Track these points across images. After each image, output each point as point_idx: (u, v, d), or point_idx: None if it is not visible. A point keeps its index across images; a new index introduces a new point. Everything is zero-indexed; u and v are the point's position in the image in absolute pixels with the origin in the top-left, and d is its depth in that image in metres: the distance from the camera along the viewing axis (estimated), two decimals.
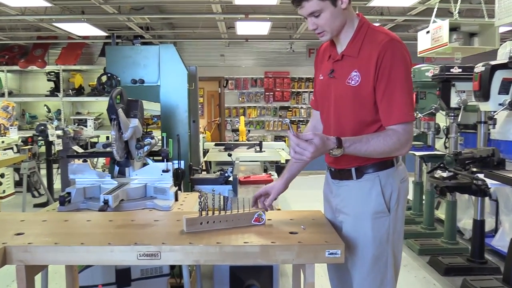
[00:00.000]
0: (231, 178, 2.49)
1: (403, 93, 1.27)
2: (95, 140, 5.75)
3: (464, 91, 3.12)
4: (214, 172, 2.76)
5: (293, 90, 8.66)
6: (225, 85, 8.61)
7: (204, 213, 1.37)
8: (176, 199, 2.03)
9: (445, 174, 2.60)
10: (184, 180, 2.60)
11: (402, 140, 1.28)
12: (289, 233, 1.37)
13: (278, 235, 1.34)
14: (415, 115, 3.63)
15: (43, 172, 5.01)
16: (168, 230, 1.41)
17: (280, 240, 1.29)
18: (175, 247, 1.24)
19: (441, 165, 2.74)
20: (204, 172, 4.39)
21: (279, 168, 3.56)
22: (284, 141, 7.00)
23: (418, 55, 3.95)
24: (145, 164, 2.18)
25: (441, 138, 4.04)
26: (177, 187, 2.09)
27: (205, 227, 1.36)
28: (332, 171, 1.49)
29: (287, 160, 3.58)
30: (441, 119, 3.96)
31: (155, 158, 2.35)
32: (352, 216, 1.41)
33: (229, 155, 2.96)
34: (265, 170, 4.93)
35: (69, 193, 1.83)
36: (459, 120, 3.24)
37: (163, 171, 2.05)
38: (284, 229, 1.41)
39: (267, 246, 1.25)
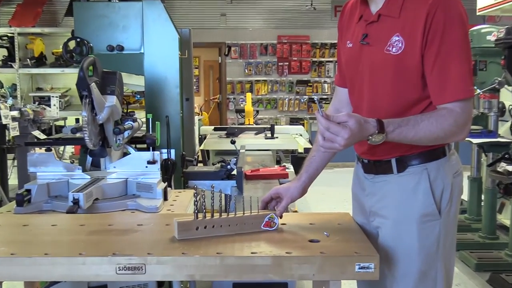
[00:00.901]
0: (234, 172, 2.50)
1: (461, 62, 1.25)
2: (61, 123, 5.80)
3: None
4: (213, 164, 2.78)
5: (314, 59, 8.63)
6: (226, 53, 8.58)
7: (200, 215, 1.38)
8: (165, 198, 2.04)
9: (510, 168, 2.56)
10: (176, 174, 2.60)
11: (460, 122, 1.26)
12: (309, 241, 1.37)
13: (294, 244, 1.35)
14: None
15: None
16: (155, 237, 1.42)
17: (298, 250, 1.30)
18: (164, 259, 1.25)
19: (506, 156, 2.70)
20: (200, 164, 4.42)
21: (295, 159, 3.57)
22: (303, 124, 6.97)
23: (478, 13, 3.85)
24: (125, 154, 2.20)
25: (506, 121, 3.98)
26: (166, 183, 2.10)
27: (201, 233, 1.37)
28: (365, 164, 1.49)
29: (306, 150, 3.60)
30: (507, 97, 3.91)
31: (138, 146, 2.36)
32: (392, 220, 1.41)
33: (232, 142, 2.96)
34: (278, 162, 4.94)
35: (28, 191, 1.84)
36: None
37: (149, 162, 2.06)
38: (302, 236, 1.41)
39: (280, 258, 1.26)
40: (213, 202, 1.41)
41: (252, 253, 1.27)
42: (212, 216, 1.39)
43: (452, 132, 1.27)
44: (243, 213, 1.45)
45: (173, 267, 1.24)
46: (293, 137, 4.73)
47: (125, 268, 1.24)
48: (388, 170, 1.40)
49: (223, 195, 1.46)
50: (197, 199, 1.38)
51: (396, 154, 1.38)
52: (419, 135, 1.25)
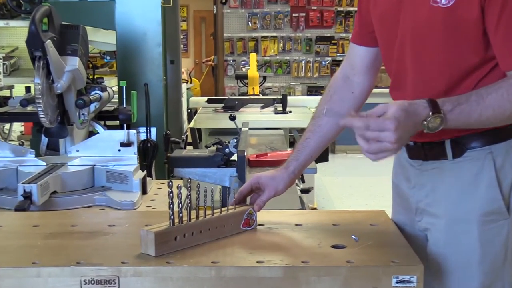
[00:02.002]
0: (234, 157, 2.51)
1: None
2: (6, 93, 5.78)
3: None
4: (206, 147, 2.77)
5: (340, 8, 8.58)
6: (224, 1, 8.52)
7: (180, 219, 1.38)
8: (144, 191, 2.06)
9: None
10: (157, 160, 2.62)
11: None
12: (332, 247, 1.38)
13: (312, 250, 1.36)
14: None
15: None
16: (131, 242, 1.42)
17: (317, 258, 1.31)
18: (144, 269, 1.26)
19: None
20: (190, 147, 4.44)
21: None
22: None
23: None
24: (92, 134, 2.21)
25: None
26: (145, 172, 2.12)
27: (183, 243, 1.38)
28: (410, 147, 1.49)
29: None
30: None
31: (108, 123, 2.37)
32: (445, 220, 1.41)
33: (232, 118, 2.96)
34: (292, 144, 4.94)
35: None
36: None
37: (122, 144, 2.07)
38: (323, 241, 1.42)
39: (295, 269, 1.27)
40: (206, 199, 1.41)
41: (257, 262, 1.28)
42: (189, 219, 1.40)
43: None
44: (220, 211, 1.47)
45: (155, 281, 1.25)
46: (312, 112, 4.72)
47: (92, 282, 1.24)
48: (440, 154, 1.41)
49: (218, 188, 1.47)
50: (179, 192, 1.36)
51: (451, 134, 1.37)
52: (487, 114, 1.25)
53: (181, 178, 2.55)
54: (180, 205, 1.36)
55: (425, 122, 1.22)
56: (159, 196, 2.07)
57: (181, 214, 1.37)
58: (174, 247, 1.36)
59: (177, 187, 1.34)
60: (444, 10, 1.29)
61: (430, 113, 1.22)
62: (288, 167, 1.62)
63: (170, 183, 1.37)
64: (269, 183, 1.58)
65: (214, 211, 1.46)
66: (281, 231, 1.51)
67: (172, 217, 1.36)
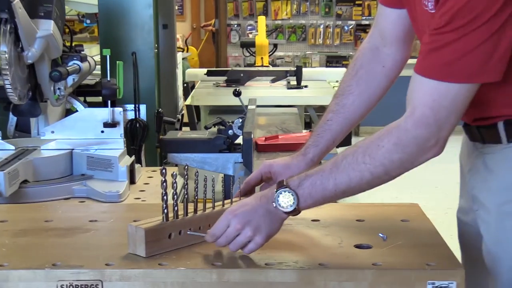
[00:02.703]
0: (239, 140, 2.51)
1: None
2: None
3: None
4: (206, 128, 2.77)
5: None
6: None
7: (175, 213, 1.39)
8: (132, 181, 2.07)
9: None
10: (148, 143, 2.62)
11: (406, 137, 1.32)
12: (355, 246, 1.39)
13: (332, 251, 1.37)
14: None
15: None
16: (116, 240, 1.43)
17: (338, 260, 1.31)
18: (132, 273, 1.26)
19: None
20: (186, 129, 4.43)
21: None
22: (347, 66, 6.90)
23: None
24: (70, 112, 2.21)
25: None
26: (133, 157, 2.13)
27: (178, 241, 1.39)
28: (468, 128, 1.51)
29: None
30: None
31: (89, 99, 2.36)
32: (496, 214, 1.42)
33: (237, 94, 2.95)
34: (308, 125, 4.93)
35: None
36: None
37: (106, 125, 2.08)
38: (345, 240, 1.43)
39: (311, 272, 1.27)
40: (205, 189, 1.41)
41: (267, 264, 1.29)
42: (185, 213, 1.41)
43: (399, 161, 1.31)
44: (223, 204, 1.48)
45: (145, 286, 1.26)
46: (331, 86, 4.71)
47: (71, 287, 1.25)
48: (494, 137, 1.42)
49: (220, 177, 1.47)
50: (173, 181, 1.37)
51: (504, 113, 1.39)
52: (343, 182, 1.33)
53: (176, 165, 2.55)
54: (175, 196, 1.37)
55: (274, 203, 1.34)
56: (150, 186, 2.08)
57: (176, 208, 1.37)
58: (168, 246, 1.36)
59: (172, 175, 1.35)
60: (430, 15, 1.33)
61: (275, 191, 1.33)
62: (306, 153, 1.63)
63: (163, 171, 1.37)
64: (283, 173, 1.59)
65: (216, 204, 1.47)
66: (295, 228, 1.51)
67: (165, 211, 1.36)
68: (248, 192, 1.60)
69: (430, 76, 1.26)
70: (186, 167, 1.38)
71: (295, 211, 1.33)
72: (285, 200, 1.33)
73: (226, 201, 1.49)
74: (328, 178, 1.33)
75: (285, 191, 1.33)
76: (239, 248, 1.33)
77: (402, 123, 1.30)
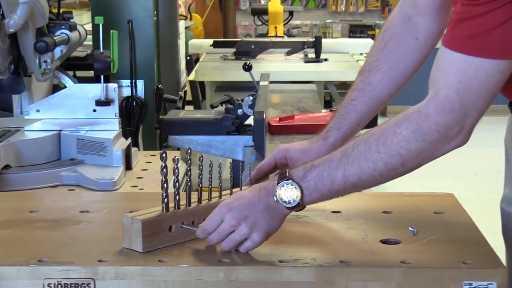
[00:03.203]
0: (250, 121, 2.51)
1: None
2: None
3: None
4: (212, 107, 2.77)
5: None
6: None
7: (176, 203, 1.39)
8: (129, 166, 2.08)
9: None
10: (146, 124, 2.62)
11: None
12: (381, 242, 1.39)
13: (356, 246, 1.38)
14: None
15: None
16: (110, 234, 1.44)
17: (361, 257, 1.32)
18: (128, 270, 1.26)
19: None
20: (189, 107, 4.42)
21: None
22: (372, 36, 6.89)
23: None
24: (57, 88, 2.21)
25: None
26: (129, 140, 2.14)
27: (180, 235, 1.39)
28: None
29: None
30: None
31: (79, 74, 2.36)
32: None
33: (247, 68, 2.94)
34: (327, 103, 4.91)
35: None
36: None
37: (98, 103, 2.08)
38: (370, 234, 1.44)
39: (331, 270, 1.27)
40: (211, 176, 1.42)
41: (281, 261, 1.30)
42: (188, 203, 1.41)
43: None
44: (231, 194, 1.48)
45: (143, 285, 1.26)
46: (355, 60, 4.69)
47: (59, 286, 1.26)
48: None
49: (228, 163, 1.47)
50: (175, 166, 1.37)
51: None
52: (353, 174, 1.32)
53: (178, 149, 2.56)
54: (177, 184, 1.37)
55: (275, 197, 1.34)
56: (148, 173, 2.09)
57: (177, 197, 1.38)
58: (168, 241, 1.37)
59: (173, 160, 1.35)
60: None
61: (276, 183, 1.33)
62: (327, 137, 1.63)
63: (164, 155, 1.37)
64: (301, 159, 1.60)
65: (222, 193, 1.47)
66: (313, 220, 1.52)
67: (165, 200, 1.37)
68: (260, 179, 1.60)
69: (458, 49, 1.23)
70: (189, 151, 1.38)
71: (299, 206, 1.33)
72: (288, 193, 1.33)
73: (234, 190, 1.50)
74: (336, 169, 1.32)
75: (287, 183, 1.33)
76: (233, 246, 1.34)
77: (423, 107, 1.27)
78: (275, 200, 1.33)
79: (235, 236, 1.33)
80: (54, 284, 1.25)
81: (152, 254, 1.32)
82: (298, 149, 1.63)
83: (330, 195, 1.36)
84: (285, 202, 1.33)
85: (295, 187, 1.32)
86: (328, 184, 1.33)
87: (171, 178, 1.35)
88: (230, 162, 1.62)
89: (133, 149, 2.13)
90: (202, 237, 1.36)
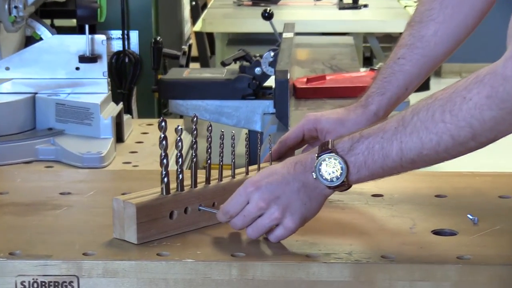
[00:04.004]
0: (271, 82, 2.51)
1: None
2: None
3: None
4: (223, 65, 2.77)
5: None
6: None
7: (179, 183, 1.40)
8: (120, 138, 2.12)
9: None
10: (142, 85, 2.62)
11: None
12: (433, 233, 1.40)
13: (401, 238, 1.38)
14: None
15: None
16: (98, 221, 1.46)
17: (408, 251, 1.32)
18: (120, 266, 1.27)
19: None
20: (195, 65, 4.40)
21: None
22: None
23: None
24: (31, 41, 2.22)
25: None
26: (121, 105, 2.16)
27: (183, 223, 1.40)
28: None
29: None
30: None
31: (58, 23, 2.36)
32: None
33: (267, 16, 2.94)
34: (367, 60, 4.87)
35: None
36: None
37: (82, 59, 2.10)
38: (419, 223, 1.44)
39: (371, 267, 1.27)
40: (222, 150, 1.42)
41: (308, 256, 1.30)
42: (194, 184, 1.42)
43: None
44: (246, 172, 1.50)
45: (138, 284, 1.27)
46: (402, 6, 4.67)
47: (35, 285, 1.26)
48: None
49: (244, 134, 1.47)
50: (178, 137, 1.36)
51: None
52: (411, 146, 1.30)
53: (181, 117, 2.56)
54: (180, 160, 1.38)
55: (314, 173, 1.33)
56: (144, 146, 2.12)
57: (180, 176, 1.39)
58: (169, 230, 1.38)
59: (175, 130, 1.35)
60: None
61: (316, 156, 1.31)
62: (368, 104, 1.64)
63: (163, 125, 1.36)
64: (334, 131, 1.60)
65: (236, 172, 1.48)
66: (348, 205, 1.53)
67: (165, 180, 1.37)
68: (283, 155, 1.60)
69: None
70: (195, 119, 1.38)
71: (343, 186, 1.33)
72: (330, 169, 1.32)
73: (251, 168, 1.50)
74: (391, 141, 1.30)
75: (330, 157, 1.31)
76: (260, 233, 1.35)
77: (500, 67, 1.24)
78: (314, 177, 1.32)
79: (263, 221, 1.33)
80: (29, 282, 1.26)
81: (149, 246, 1.33)
82: (331, 119, 1.63)
83: (382, 173, 1.34)
84: (326, 180, 1.32)
85: (339, 162, 1.31)
86: (381, 159, 1.31)
87: (172, 153, 1.35)
88: (246, 134, 1.61)
89: (126, 117, 2.14)
90: (224, 221, 1.37)
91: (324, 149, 1.32)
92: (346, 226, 1.44)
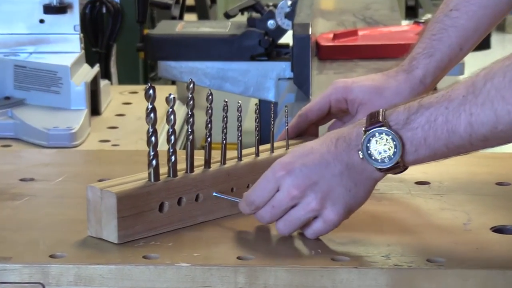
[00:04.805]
0: (288, 38, 2.52)
1: None
2: None
3: None
4: (227, 16, 2.77)
5: None
6: None
7: (171, 167, 1.41)
8: (96, 110, 2.13)
9: None
10: (123, 42, 2.63)
11: None
12: (493, 230, 1.40)
13: (453, 237, 1.39)
14: None
15: None
16: (69, 215, 1.47)
17: (461, 251, 1.33)
18: (96, 271, 1.28)
19: None
20: (191, 16, 4.40)
21: None
22: None
23: None
24: None
25: None
26: (97, 68, 2.18)
27: (175, 217, 1.41)
28: None
29: None
30: None
31: None
32: None
33: None
34: (412, 11, 4.88)
35: None
36: None
37: (48, 9, 2.10)
38: (475, 217, 1.45)
39: (414, 273, 1.28)
40: (225, 125, 1.43)
41: (333, 259, 1.31)
42: (189, 168, 1.42)
43: None
44: (257, 153, 1.50)
45: None
46: None
47: None
48: None
49: (253, 105, 1.51)
50: (169, 110, 1.36)
51: None
52: (483, 120, 1.28)
53: (174, 83, 2.56)
54: (173, 138, 1.38)
55: (361, 152, 1.33)
56: (126, 120, 2.15)
57: (173, 158, 1.39)
58: (158, 226, 1.39)
59: (167, 100, 1.35)
60: None
61: (363, 131, 1.32)
62: (412, 69, 1.65)
63: (151, 93, 1.36)
64: (369, 101, 1.62)
65: (243, 152, 1.49)
66: (386, 196, 1.54)
67: (154, 162, 1.38)
68: (303, 132, 1.61)
69: None
70: (192, 86, 1.38)
71: (397, 168, 1.33)
72: (381, 147, 1.32)
73: (262, 147, 1.51)
74: (458, 113, 1.29)
75: (381, 132, 1.31)
76: (294, 229, 1.35)
77: None
78: (361, 157, 1.33)
79: (298, 213, 1.34)
80: None
81: (134, 246, 1.34)
82: (365, 87, 1.64)
83: (446, 153, 1.34)
84: (376, 160, 1.32)
85: (392, 138, 1.31)
86: (445, 135, 1.30)
87: (162, 129, 1.36)
88: (256, 104, 1.60)
89: (103, 83, 2.15)
90: (248, 213, 1.38)
91: (374, 121, 1.32)
92: (382, 221, 1.45)
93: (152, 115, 1.34)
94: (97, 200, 1.35)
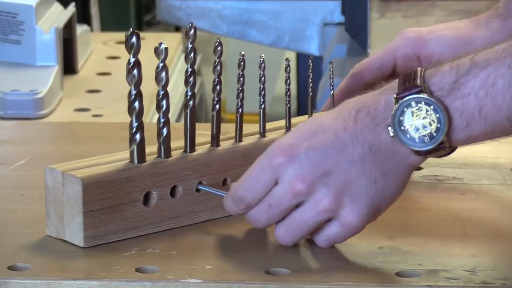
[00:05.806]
0: None
1: None
2: None
3: None
4: None
5: None
6: None
7: (162, 145, 1.40)
8: (71, 67, 2.14)
9: None
10: None
11: None
12: None
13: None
14: None
15: None
16: (33, 211, 1.47)
17: None
18: (72, 287, 1.28)
19: None
20: None
21: None
22: None
23: None
24: None
25: None
26: (72, 8, 2.19)
27: (166, 213, 1.41)
28: None
29: None
30: None
31: None
32: None
33: None
34: None
35: None
36: None
37: None
38: None
39: None
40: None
41: (398, 274, 1.29)
42: (189, 147, 1.42)
43: None
44: (288, 127, 1.50)
45: None
46: None
47: None
48: None
49: (282, 62, 1.51)
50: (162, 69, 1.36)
51: None
52: None
53: (178, 29, 2.57)
54: (164, 103, 1.37)
55: (391, 128, 1.33)
56: (112, 81, 2.16)
57: (165, 132, 1.39)
58: (142, 225, 1.39)
59: (156, 51, 1.35)
60: None
61: (393, 98, 1.31)
62: (511, 13, 1.66)
63: (133, 41, 1.36)
64: (450, 55, 1.58)
65: (267, 126, 1.48)
66: (470, 187, 1.54)
67: (137, 137, 1.37)
68: (349, 91, 1.61)
69: None
70: (193, 32, 1.36)
71: (441, 149, 1.33)
72: (419, 121, 1.33)
73: (295, 120, 1.50)
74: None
75: (419, 100, 1.32)
76: (299, 237, 1.34)
77: None
78: (392, 135, 1.32)
79: (304, 215, 1.32)
80: None
81: (124, 255, 1.33)
82: (446, 38, 1.66)
83: (510, 128, 1.33)
84: (413, 139, 1.32)
85: (434, 109, 1.31)
86: (507, 104, 1.30)
87: (153, 87, 1.33)
88: (286, 60, 1.56)
89: (80, 29, 2.15)
90: (236, 212, 1.36)
91: (409, 85, 1.31)
92: (466, 223, 1.44)
93: (135, 71, 1.33)
94: (58, 187, 1.35)
